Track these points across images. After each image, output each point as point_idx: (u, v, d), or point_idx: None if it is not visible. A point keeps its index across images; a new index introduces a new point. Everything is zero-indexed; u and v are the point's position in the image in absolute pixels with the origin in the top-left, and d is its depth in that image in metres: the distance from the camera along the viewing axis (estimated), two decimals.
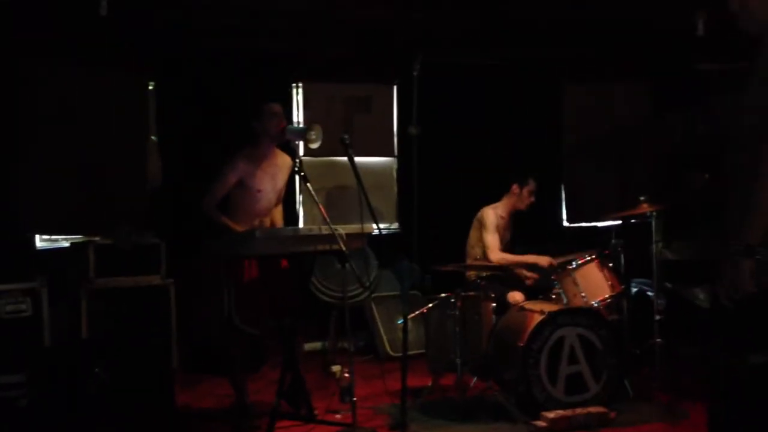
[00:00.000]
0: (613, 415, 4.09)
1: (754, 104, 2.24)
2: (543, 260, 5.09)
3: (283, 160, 4.42)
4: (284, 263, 4.23)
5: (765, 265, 2.16)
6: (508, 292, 5.02)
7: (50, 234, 5.58)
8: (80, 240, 5.24)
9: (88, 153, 5.63)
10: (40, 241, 5.56)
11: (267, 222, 4.41)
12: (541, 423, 3.99)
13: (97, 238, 5.02)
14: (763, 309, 2.15)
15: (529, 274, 5.21)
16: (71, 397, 3.67)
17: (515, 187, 5.35)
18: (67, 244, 5.39)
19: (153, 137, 6.10)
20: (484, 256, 5.20)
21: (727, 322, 2.22)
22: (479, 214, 5.36)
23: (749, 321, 2.15)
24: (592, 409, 4.08)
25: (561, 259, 4.98)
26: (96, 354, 3.83)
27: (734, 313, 2.18)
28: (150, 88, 6.08)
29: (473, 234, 5.39)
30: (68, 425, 3.67)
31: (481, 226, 5.30)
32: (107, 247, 4.97)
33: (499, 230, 5.33)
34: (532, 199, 5.37)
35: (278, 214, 4.56)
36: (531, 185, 5.35)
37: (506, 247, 5.40)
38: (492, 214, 5.30)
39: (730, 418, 2.19)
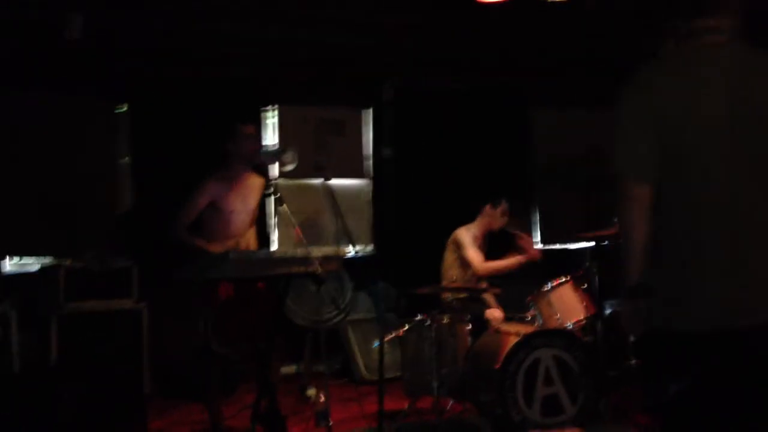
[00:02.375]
0: None
1: None
2: (529, 255, 5.11)
3: (255, 181, 4.41)
4: (260, 285, 4.20)
5: (642, 307, 2.20)
6: (486, 309, 5.03)
7: (18, 255, 5.48)
8: (50, 263, 5.16)
9: (59, 175, 5.56)
10: (9, 265, 5.46)
11: (242, 244, 4.38)
12: None
13: (67, 262, 4.95)
14: (670, 343, 2.18)
15: (488, 291, 5.22)
16: (41, 425, 3.59)
17: (488, 208, 5.39)
18: (36, 268, 5.30)
19: (124, 160, 6.04)
20: (468, 272, 5.21)
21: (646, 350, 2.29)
22: (453, 235, 5.39)
23: (663, 352, 2.20)
24: (569, 431, 4.08)
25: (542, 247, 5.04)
26: (66, 380, 3.75)
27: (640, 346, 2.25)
28: (123, 110, 6.04)
29: (448, 256, 5.41)
30: None
31: (458, 247, 5.32)
32: (78, 270, 4.89)
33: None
34: (506, 219, 5.42)
35: (251, 236, 4.53)
36: (504, 205, 5.40)
37: None
38: (466, 233, 5.33)
39: None
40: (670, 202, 2.14)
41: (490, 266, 5.20)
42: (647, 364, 2.24)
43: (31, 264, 5.47)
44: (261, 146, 4.30)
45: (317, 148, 6.53)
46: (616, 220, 2.23)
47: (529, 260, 5.17)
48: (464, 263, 5.31)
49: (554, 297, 4.68)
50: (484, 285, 5.33)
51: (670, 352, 2.17)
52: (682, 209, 2.12)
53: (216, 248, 4.14)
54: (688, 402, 2.12)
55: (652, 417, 4.35)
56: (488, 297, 5.31)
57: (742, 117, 2.11)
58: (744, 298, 2.07)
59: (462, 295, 5.18)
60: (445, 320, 4.55)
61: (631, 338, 4.83)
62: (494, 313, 5.05)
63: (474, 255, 5.24)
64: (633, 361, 4.82)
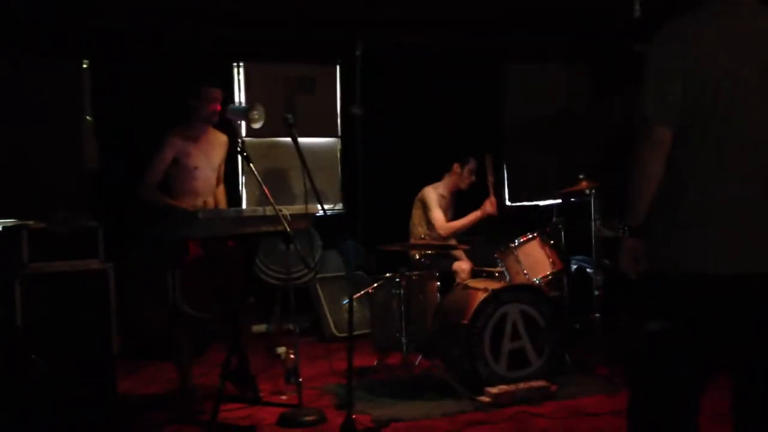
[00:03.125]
0: (554, 388, 4.19)
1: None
2: (485, 208, 5.25)
3: (217, 137, 4.37)
4: (229, 243, 4.18)
5: (642, 248, 2.28)
6: (453, 262, 5.09)
7: None
8: (12, 224, 5.06)
9: (21, 135, 5.44)
10: None
11: (210, 202, 4.35)
12: (484, 398, 4.06)
13: (30, 222, 4.85)
14: (658, 283, 2.25)
15: (460, 247, 5.29)
16: (8, 386, 3.56)
17: (456, 167, 5.41)
18: None
19: (88, 117, 5.92)
20: (433, 231, 5.27)
21: (630, 292, 2.36)
22: (420, 194, 5.41)
23: (646, 291, 2.28)
24: (534, 384, 4.17)
25: (491, 187, 5.17)
26: (32, 341, 3.72)
27: (634, 284, 2.31)
28: (84, 67, 5.90)
29: (415, 213, 5.44)
30: (6, 414, 3.56)
31: (423, 205, 5.35)
32: (41, 231, 4.81)
33: (442, 208, 5.38)
34: (473, 178, 5.45)
35: (221, 195, 4.50)
36: (471, 164, 5.42)
37: None
38: (432, 192, 5.36)
39: (637, 382, 2.30)
40: (695, 150, 2.18)
41: (450, 226, 5.30)
42: (640, 304, 2.30)
43: None
44: (224, 105, 4.23)
45: (286, 105, 6.45)
46: (632, 165, 2.26)
47: (490, 213, 5.24)
48: (430, 222, 5.36)
49: (521, 253, 4.74)
50: (452, 242, 5.37)
51: (665, 291, 2.22)
52: (705, 158, 2.17)
53: (184, 207, 4.11)
54: (670, 342, 2.17)
55: (612, 368, 4.48)
56: (457, 252, 5.37)
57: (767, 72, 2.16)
58: (761, 247, 2.13)
59: (430, 252, 5.22)
60: (414, 277, 4.59)
61: (595, 292, 4.92)
62: (462, 266, 5.12)
63: (437, 215, 5.29)
64: (597, 315, 4.92)
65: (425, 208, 5.36)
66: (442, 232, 5.22)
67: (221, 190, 4.50)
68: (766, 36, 2.20)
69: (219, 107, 4.20)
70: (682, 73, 2.17)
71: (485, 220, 5.40)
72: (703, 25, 2.22)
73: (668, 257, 2.21)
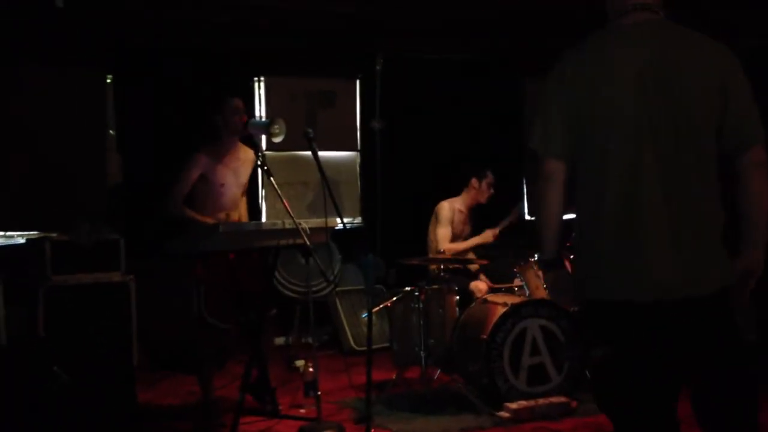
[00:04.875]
0: (575, 404, 4.15)
1: None
2: (486, 236, 5.30)
3: (246, 155, 4.39)
4: (254, 255, 4.20)
5: (559, 279, 2.33)
6: (471, 282, 5.07)
7: (5, 230, 5.45)
8: (36, 236, 5.12)
9: (46, 148, 5.51)
10: None
11: (234, 216, 4.37)
12: (504, 414, 4.04)
13: (53, 234, 4.91)
14: (588, 311, 2.28)
15: (477, 262, 5.29)
16: (30, 397, 3.59)
17: (474, 181, 5.41)
18: (22, 241, 5.26)
19: (111, 131, 5.99)
20: (436, 249, 5.27)
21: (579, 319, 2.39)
22: (436, 207, 5.42)
23: (581, 319, 2.31)
24: (554, 399, 4.14)
25: (501, 224, 5.26)
26: (55, 352, 3.75)
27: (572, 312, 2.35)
28: (108, 81, 5.97)
29: (432, 228, 5.44)
30: (27, 425, 3.59)
31: (436, 219, 5.36)
32: (64, 243, 4.86)
33: (457, 224, 5.39)
34: (492, 191, 5.44)
35: (243, 208, 4.53)
36: (489, 178, 5.42)
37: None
38: (447, 208, 5.36)
39: (603, 409, 2.30)
40: (585, 182, 2.20)
41: (451, 247, 5.30)
42: (581, 332, 2.35)
43: (18, 237, 5.44)
44: (249, 118, 4.26)
45: (306, 119, 6.50)
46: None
47: (489, 242, 5.35)
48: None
49: None
50: (471, 256, 5.36)
51: (592, 319, 2.24)
52: (593, 191, 2.18)
53: (209, 221, 4.14)
54: (612, 367, 2.17)
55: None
56: (475, 268, 5.36)
57: (661, 98, 2.12)
58: (646, 276, 2.11)
59: (450, 266, 5.21)
60: (433, 291, 4.58)
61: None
62: (478, 285, 5.10)
63: (443, 233, 5.29)
64: None
65: (436, 222, 5.37)
66: (443, 251, 5.21)
67: (243, 203, 4.53)
68: (659, 60, 2.13)
69: (245, 118, 4.22)
70: (567, 109, 2.19)
71: (504, 233, 5.40)
72: (587, 57, 2.22)
73: (580, 285, 2.24)
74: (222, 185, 4.25)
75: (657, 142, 2.12)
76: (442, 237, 5.28)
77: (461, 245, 5.34)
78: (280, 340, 6.00)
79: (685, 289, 2.09)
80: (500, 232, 5.36)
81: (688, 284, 2.10)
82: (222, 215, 4.26)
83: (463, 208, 5.44)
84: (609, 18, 2.30)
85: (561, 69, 2.25)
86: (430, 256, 5.33)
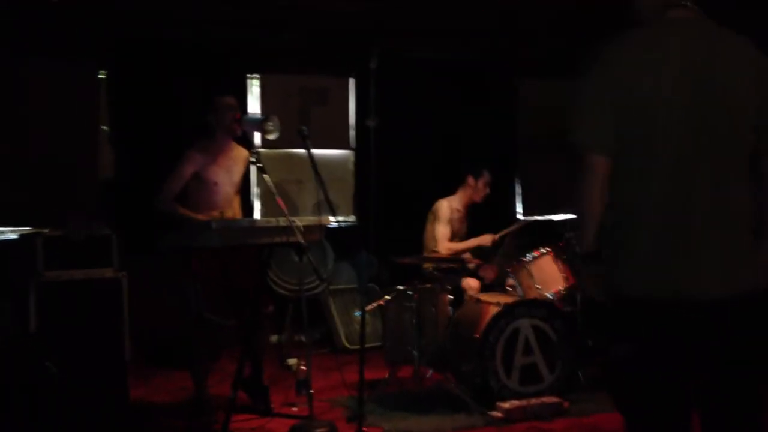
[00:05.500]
0: (567, 404, 4.16)
1: None
2: (485, 239, 5.29)
3: (239, 153, 4.37)
4: (246, 253, 4.19)
5: (596, 276, 2.28)
6: (463, 278, 5.08)
7: None
8: (28, 231, 5.09)
9: (38, 143, 5.49)
10: None
11: (228, 214, 4.36)
12: (496, 413, 4.04)
13: (45, 230, 4.89)
14: (610, 307, 2.25)
15: (473, 261, 5.30)
16: (22, 393, 3.58)
17: (470, 179, 5.41)
18: (14, 236, 5.24)
19: (104, 127, 5.97)
20: (435, 247, 5.27)
21: (600, 316, 2.37)
22: (434, 206, 5.41)
23: (607, 316, 2.28)
24: (547, 399, 4.15)
25: (502, 232, 5.24)
26: (46, 348, 3.74)
27: (602, 307, 2.32)
28: (101, 77, 5.95)
29: (429, 226, 5.44)
30: (19, 421, 3.57)
31: (435, 218, 5.36)
32: (56, 238, 4.84)
33: (454, 222, 5.38)
34: (488, 190, 5.44)
35: (236, 206, 4.51)
36: (486, 177, 5.42)
37: (462, 240, 5.45)
38: (446, 206, 5.36)
39: (620, 408, 2.29)
40: (627, 176, 2.17)
41: (450, 246, 5.30)
42: (604, 329, 2.32)
43: (10, 232, 5.41)
44: (242, 116, 4.25)
45: (300, 117, 6.49)
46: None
47: (486, 245, 5.36)
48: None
49: (534, 268, 4.73)
50: (466, 255, 5.36)
51: (618, 316, 2.22)
52: (637, 186, 2.16)
53: (201, 218, 4.12)
54: (636, 366, 2.17)
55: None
56: (473, 265, 5.35)
57: (702, 95, 2.13)
58: (690, 274, 2.10)
59: (443, 265, 5.21)
60: (426, 290, 4.58)
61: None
62: (470, 283, 5.10)
63: (441, 232, 5.29)
64: None
65: (435, 221, 5.37)
66: (441, 249, 5.21)
67: (236, 201, 4.52)
68: (703, 55, 2.14)
69: (238, 115, 4.21)
70: (612, 102, 2.15)
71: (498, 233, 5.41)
72: (637, 47, 2.19)
73: (613, 282, 2.21)
74: (215, 184, 4.24)
75: (703, 137, 2.11)
76: (442, 236, 5.28)
77: (460, 245, 5.34)
78: (273, 339, 5.99)
79: (729, 288, 2.08)
80: (500, 238, 5.36)
81: (732, 283, 2.09)
82: (215, 213, 4.25)
83: (460, 207, 5.44)
84: (641, 16, 2.29)
85: (605, 61, 2.21)
86: (425, 253, 5.33)
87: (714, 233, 2.10)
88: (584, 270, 2.33)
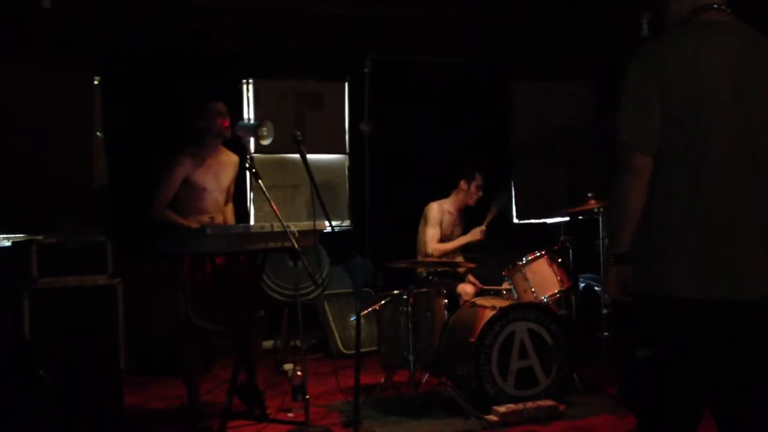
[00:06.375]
0: (562, 408, 4.16)
1: None
2: (474, 234, 5.29)
3: (228, 158, 4.37)
4: (240, 259, 4.19)
5: (628, 274, 2.27)
6: (458, 284, 5.08)
7: None
8: (22, 239, 5.09)
9: (32, 151, 5.48)
10: None
11: (219, 219, 4.36)
12: (492, 417, 4.04)
13: (39, 237, 4.88)
14: (644, 308, 2.25)
15: (462, 266, 5.29)
16: (15, 401, 3.56)
17: (463, 183, 5.42)
18: (8, 244, 5.23)
19: (98, 133, 5.96)
20: (425, 250, 5.27)
21: (623, 317, 2.37)
22: (425, 209, 5.43)
23: (635, 318, 2.27)
24: (543, 403, 4.14)
25: (487, 220, 5.26)
26: (40, 355, 3.72)
27: (626, 310, 2.30)
28: (95, 83, 5.95)
29: (421, 230, 5.44)
30: (13, 429, 3.56)
31: (425, 220, 5.37)
32: (51, 246, 4.83)
33: (447, 226, 5.39)
34: (480, 193, 5.45)
35: (230, 212, 4.51)
36: (478, 180, 5.43)
37: None
38: (436, 208, 5.36)
39: (638, 410, 2.29)
40: (672, 174, 2.17)
41: (439, 247, 5.28)
42: (629, 329, 2.30)
43: (4, 240, 5.40)
44: (234, 121, 4.24)
45: (294, 121, 6.48)
46: (610, 191, 2.27)
47: (478, 239, 5.31)
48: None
49: (529, 271, 4.73)
50: (460, 259, 5.36)
51: (651, 317, 2.21)
52: (681, 182, 2.15)
53: (192, 224, 4.11)
54: (661, 369, 2.16)
55: (619, 388, 4.45)
56: (462, 270, 5.35)
57: (746, 95, 2.14)
58: (735, 272, 2.11)
59: (438, 269, 5.21)
60: (421, 294, 4.58)
61: (604, 311, 4.91)
62: (465, 288, 5.10)
63: (430, 234, 5.29)
64: (606, 334, 4.90)
65: (425, 223, 5.38)
66: (431, 251, 5.21)
67: (230, 208, 4.51)
68: (743, 56, 2.17)
69: (228, 121, 4.21)
70: (660, 98, 2.16)
71: (493, 237, 5.40)
72: (679, 46, 2.19)
73: (649, 282, 2.19)
74: (204, 189, 4.23)
75: (747, 135, 2.13)
76: (431, 237, 5.29)
77: (449, 245, 5.34)
78: (268, 344, 5.97)
79: None
80: (487, 227, 5.33)
81: None
82: (205, 218, 4.24)
83: (452, 210, 5.45)
84: (669, 20, 2.30)
85: (648, 60, 2.21)
86: (420, 258, 5.33)
87: (757, 233, 2.11)
88: (610, 269, 2.30)
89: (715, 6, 2.23)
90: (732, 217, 2.11)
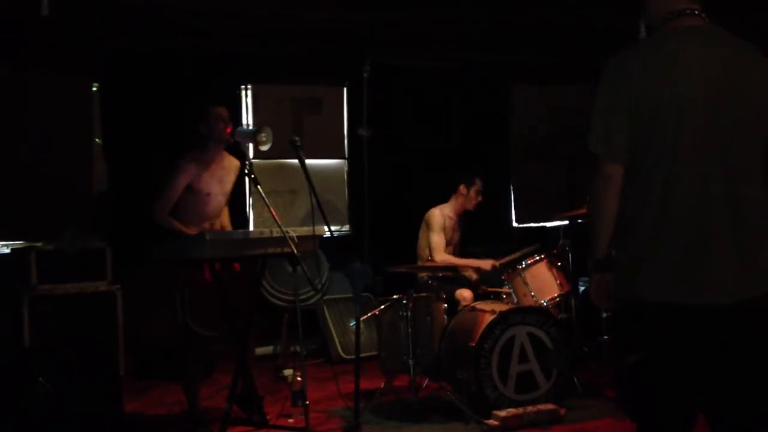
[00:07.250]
0: (563, 411, 4.15)
1: None
2: (485, 264, 5.19)
3: (231, 162, 4.37)
4: (236, 266, 4.18)
5: (610, 282, 2.27)
6: (456, 289, 5.07)
7: None
8: (21, 245, 5.09)
9: (31, 156, 5.48)
10: None
11: (217, 225, 4.36)
12: (493, 422, 4.03)
13: (38, 244, 4.88)
14: (623, 314, 2.26)
15: (474, 274, 5.28)
16: (15, 407, 3.56)
17: (462, 188, 5.41)
18: (7, 250, 5.23)
19: (97, 140, 5.96)
20: (431, 256, 5.26)
21: (612, 323, 2.38)
22: (426, 215, 5.41)
23: (618, 324, 2.28)
24: (543, 407, 4.13)
25: (504, 260, 5.08)
26: (40, 362, 3.72)
27: (614, 315, 2.32)
28: (94, 89, 5.95)
29: (422, 235, 5.43)
30: None
31: (428, 227, 5.35)
32: (50, 252, 4.83)
33: (447, 231, 5.38)
34: (480, 198, 5.44)
35: (225, 217, 4.50)
36: (478, 185, 5.42)
37: (456, 248, 5.45)
38: (438, 215, 5.35)
39: (632, 415, 2.30)
40: (645, 181, 2.17)
41: (446, 258, 5.24)
42: (614, 336, 2.33)
43: (3, 246, 5.39)
44: (234, 126, 4.24)
45: (293, 127, 6.49)
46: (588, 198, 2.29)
47: (485, 270, 5.20)
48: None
49: (529, 275, 4.72)
50: (468, 273, 5.34)
51: (631, 323, 2.23)
52: (653, 189, 2.16)
53: (192, 231, 4.11)
54: (648, 373, 2.17)
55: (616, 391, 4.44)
56: (470, 275, 5.32)
57: (720, 101, 2.14)
58: (707, 277, 2.11)
59: (438, 274, 5.21)
60: (421, 299, 4.58)
61: (603, 314, 4.91)
62: (463, 294, 5.09)
63: (436, 241, 5.27)
64: (606, 337, 4.89)
65: (429, 230, 5.36)
66: (437, 259, 5.19)
67: (225, 212, 4.50)
68: (718, 61, 2.16)
69: (230, 128, 4.20)
70: (628, 107, 2.16)
71: (492, 241, 5.40)
72: (652, 52, 2.19)
73: (626, 288, 2.21)
74: (208, 194, 4.23)
75: (720, 140, 2.12)
76: (437, 245, 5.25)
77: (457, 261, 5.30)
78: (267, 349, 5.97)
79: (746, 292, 2.09)
80: (501, 265, 5.25)
81: (750, 287, 2.10)
82: (206, 224, 4.24)
83: (452, 215, 5.44)
84: (651, 23, 2.30)
85: (619, 67, 2.21)
86: (420, 263, 5.32)
87: (731, 237, 2.11)
88: (594, 276, 2.31)
89: (688, 11, 2.22)
90: (705, 222, 2.11)
